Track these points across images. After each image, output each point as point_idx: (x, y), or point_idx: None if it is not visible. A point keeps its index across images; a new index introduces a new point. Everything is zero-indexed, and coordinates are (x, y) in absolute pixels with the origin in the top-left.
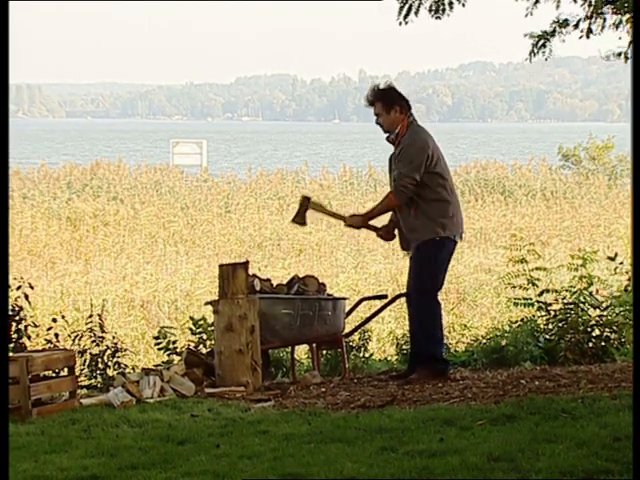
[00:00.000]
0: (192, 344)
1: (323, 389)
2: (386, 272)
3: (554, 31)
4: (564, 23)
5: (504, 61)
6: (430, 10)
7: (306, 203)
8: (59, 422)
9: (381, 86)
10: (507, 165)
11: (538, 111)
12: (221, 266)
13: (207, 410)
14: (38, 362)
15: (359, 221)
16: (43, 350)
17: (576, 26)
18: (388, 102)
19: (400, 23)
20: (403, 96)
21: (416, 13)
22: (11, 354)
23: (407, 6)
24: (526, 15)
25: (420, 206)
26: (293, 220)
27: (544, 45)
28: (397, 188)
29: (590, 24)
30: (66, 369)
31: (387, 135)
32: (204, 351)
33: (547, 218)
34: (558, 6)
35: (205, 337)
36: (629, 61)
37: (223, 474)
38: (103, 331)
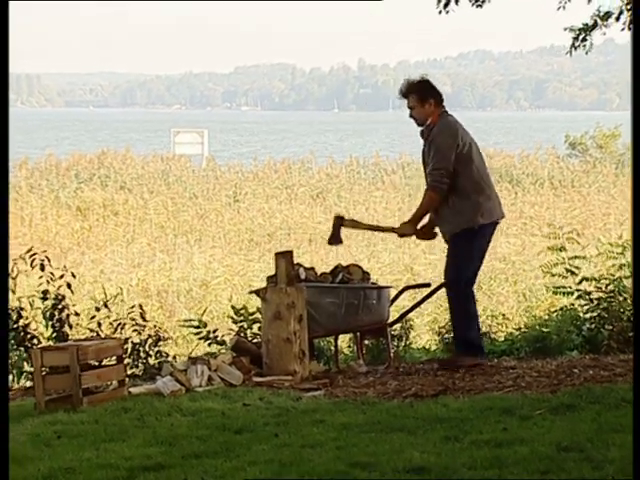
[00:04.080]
0: (232, 333)
1: (371, 378)
2: (400, 262)
3: (595, 24)
4: (605, 16)
5: (503, 50)
6: None
7: (339, 222)
8: (111, 411)
9: (416, 78)
10: (514, 154)
11: (537, 100)
12: (278, 254)
13: (258, 399)
14: (88, 351)
15: (409, 228)
16: (91, 339)
17: (617, 19)
18: (422, 95)
19: (440, 12)
20: (437, 89)
21: (457, 2)
22: (57, 343)
23: None
24: (558, 9)
25: (454, 196)
26: (329, 242)
27: (585, 39)
28: (432, 184)
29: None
30: (114, 358)
31: (420, 130)
32: None
33: (557, 207)
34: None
35: (246, 326)
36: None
37: (289, 463)
38: (144, 320)
